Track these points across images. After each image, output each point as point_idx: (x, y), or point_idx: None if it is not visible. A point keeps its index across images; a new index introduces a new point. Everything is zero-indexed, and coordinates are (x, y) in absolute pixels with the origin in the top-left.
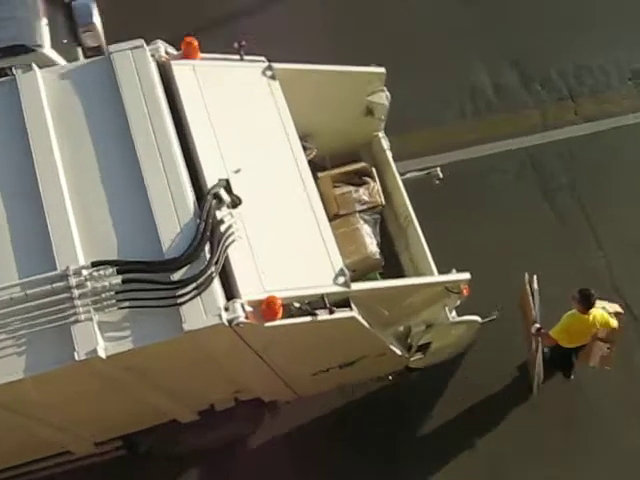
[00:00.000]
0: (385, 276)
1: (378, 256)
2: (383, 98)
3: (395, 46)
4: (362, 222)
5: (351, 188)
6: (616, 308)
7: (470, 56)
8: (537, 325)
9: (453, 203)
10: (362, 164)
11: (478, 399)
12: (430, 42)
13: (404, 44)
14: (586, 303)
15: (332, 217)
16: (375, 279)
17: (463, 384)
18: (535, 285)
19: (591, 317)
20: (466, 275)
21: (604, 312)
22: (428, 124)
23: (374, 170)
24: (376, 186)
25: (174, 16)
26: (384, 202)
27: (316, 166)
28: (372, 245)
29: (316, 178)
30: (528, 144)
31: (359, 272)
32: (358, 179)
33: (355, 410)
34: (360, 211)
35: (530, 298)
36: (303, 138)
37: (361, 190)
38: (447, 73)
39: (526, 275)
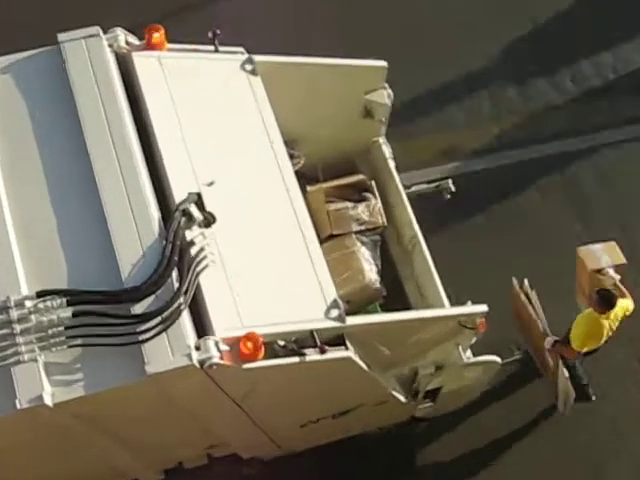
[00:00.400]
0: (387, 308)
1: (378, 285)
2: (384, 97)
3: (399, 36)
4: (359, 244)
5: (348, 204)
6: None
7: (487, 47)
8: (551, 338)
9: (468, 222)
10: (359, 176)
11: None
12: (440, 31)
13: (409, 33)
14: (607, 304)
15: (324, 238)
16: (375, 312)
17: (477, 427)
18: (530, 290)
19: (612, 315)
20: (483, 307)
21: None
22: (438, 128)
23: (374, 184)
24: (377, 203)
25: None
26: (386, 222)
27: (304, 178)
28: (371, 272)
29: (305, 192)
30: (556, 151)
31: (356, 304)
32: (355, 194)
33: (350, 465)
34: (358, 232)
35: (529, 308)
36: (289, 144)
37: (360, 207)
38: (460, 67)
39: (514, 280)
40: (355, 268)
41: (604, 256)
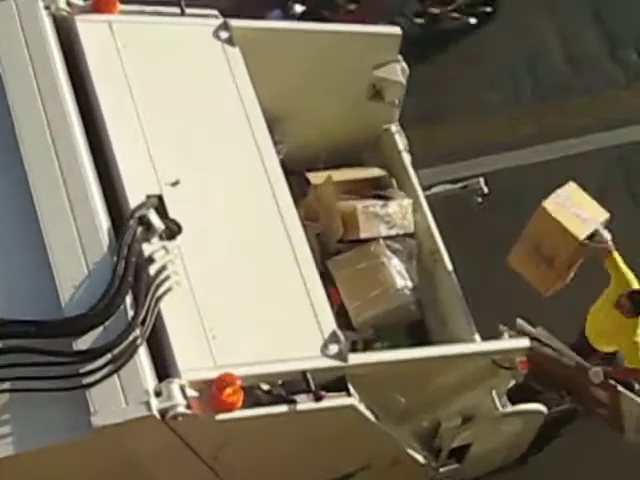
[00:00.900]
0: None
1: (414, 306)
2: (398, 72)
3: None
4: (390, 254)
5: (376, 202)
6: None
7: (528, 11)
8: (598, 369)
9: (504, 232)
10: (378, 171)
11: None
12: None
13: None
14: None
15: (335, 248)
16: (399, 344)
17: None
18: (535, 329)
19: None
20: (524, 342)
21: None
22: (466, 113)
23: (394, 182)
24: (410, 204)
25: None
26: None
27: (293, 172)
28: (406, 289)
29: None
30: (618, 141)
31: (386, 331)
32: (369, 192)
33: None
34: (387, 237)
35: (547, 351)
36: (272, 130)
37: (391, 206)
38: (494, 38)
39: (521, 322)
40: (386, 284)
41: (583, 211)
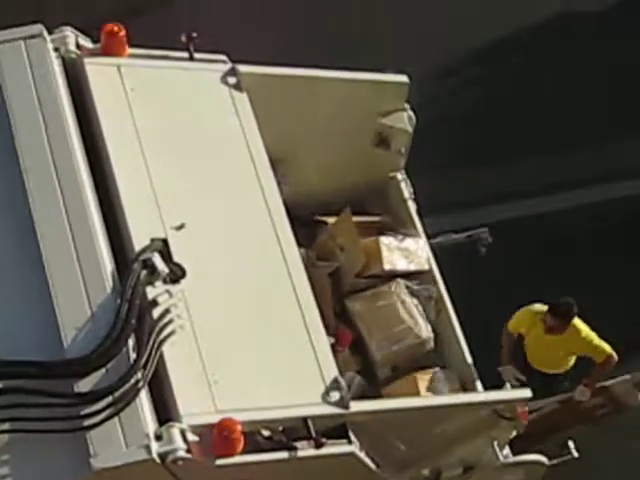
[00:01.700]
0: None
1: (432, 346)
2: (404, 121)
3: (424, 42)
4: (408, 293)
5: (398, 235)
6: None
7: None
8: (579, 388)
9: (509, 282)
10: (380, 218)
11: None
12: (483, 36)
13: (438, 39)
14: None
15: (352, 284)
16: None
17: None
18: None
19: None
20: (525, 392)
21: None
22: (476, 161)
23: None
24: (424, 241)
25: None
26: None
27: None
28: (427, 330)
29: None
30: (628, 193)
31: (404, 370)
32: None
33: None
34: (405, 275)
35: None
36: (276, 174)
37: (408, 241)
38: (507, 79)
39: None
40: (408, 321)
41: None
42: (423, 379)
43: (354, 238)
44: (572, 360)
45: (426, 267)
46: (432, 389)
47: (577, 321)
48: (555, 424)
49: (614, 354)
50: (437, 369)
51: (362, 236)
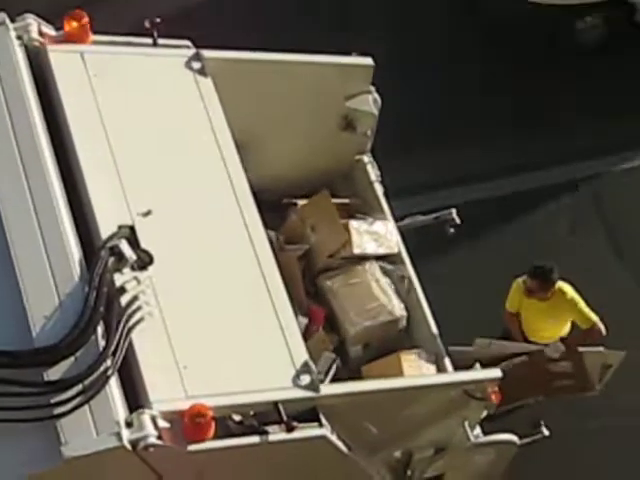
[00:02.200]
0: None
1: (404, 325)
2: (370, 103)
3: (388, 23)
4: (381, 273)
5: (364, 220)
6: None
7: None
8: (555, 344)
9: (476, 263)
10: (350, 201)
11: None
12: (441, 14)
13: (402, 20)
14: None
15: (325, 264)
16: None
17: None
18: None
19: None
20: (496, 372)
21: None
22: (440, 142)
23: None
24: (392, 224)
25: None
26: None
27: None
28: (400, 308)
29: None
30: (586, 173)
31: (376, 347)
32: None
33: None
34: (377, 257)
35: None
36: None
37: (377, 225)
38: (472, 61)
39: (455, 348)
40: (382, 299)
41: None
42: (407, 359)
43: (333, 218)
44: (565, 328)
45: (395, 250)
46: (415, 369)
47: (563, 284)
48: (516, 381)
49: (601, 325)
50: (420, 350)
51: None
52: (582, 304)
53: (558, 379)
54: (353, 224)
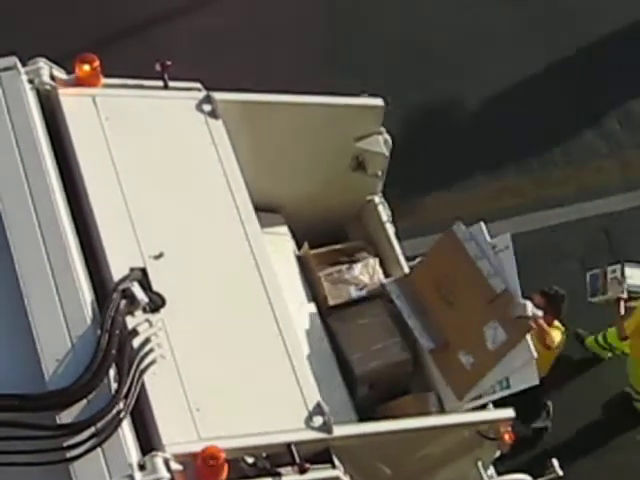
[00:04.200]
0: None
1: (411, 367)
2: (381, 144)
3: (397, 65)
4: (388, 313)
5: (341, 267)
6: None
7: (511, 77)
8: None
9: None
10: (354, 243)
11: None
12: (453, 56)
13: (410, 61)
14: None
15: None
16: None
17: None
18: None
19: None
20: (509, 412)
21: None
22: (452, 184)
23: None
24: (376, 262)
25: (66, 22)
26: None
27: None
28: (406, 350)
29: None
30: (602, 211)
31: (381, 388)
32: (347, 258)
33: None
34: (359, 299)
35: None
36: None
37: (356, 269)
38: (482, 107)
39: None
40: (389, 339)
41: None
42: (420, 401)
43: (315, 275)
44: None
45: (378, 286)
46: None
47: (556, 327)
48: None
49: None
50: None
51: (321, 267)
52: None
53: None
54: (323, 276)
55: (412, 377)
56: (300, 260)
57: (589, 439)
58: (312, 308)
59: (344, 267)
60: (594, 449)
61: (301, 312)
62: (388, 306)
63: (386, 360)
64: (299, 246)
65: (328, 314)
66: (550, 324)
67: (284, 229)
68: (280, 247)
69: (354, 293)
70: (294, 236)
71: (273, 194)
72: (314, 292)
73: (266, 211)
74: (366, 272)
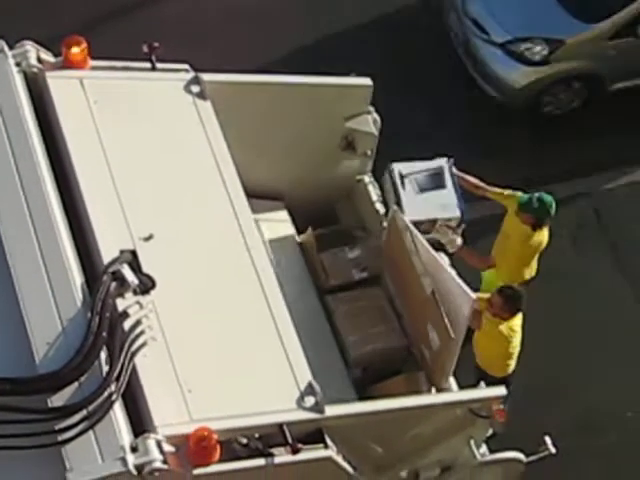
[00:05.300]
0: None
1: (406, 353)
2: (369, 123)
3: (388, 45)
4: (386, 299)
5: (344, 248)
6: None
7: None
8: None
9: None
10: (343, 226)
11: None
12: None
13: (403, 41)
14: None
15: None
16: None
17: None
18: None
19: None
20: (500, 390)
21: None
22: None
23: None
24: (377, 247)
25: (52, 5)
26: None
27: None
28: (402, 336)
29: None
30: (592, 189)
31: (375, 371)
32: (349, 238)
33: None
34: (359, 280)
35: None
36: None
37: (358, 249)
38: (468, 87)
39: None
40: (387, 323)
41: None
42: (412, 380)
43: (315, 258)
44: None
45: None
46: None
47: (516, 323)
48: None
49: (503, 372)
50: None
51: (321, 249)
52: (510, 352)
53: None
54: (325, 257)
55: (408, 360)
56: (301, 244)
57: (582, 417)
58: (312, 290)
59: (346, 248)
60: (587, 427)
61: (301, 294)
62: (386, 289)
63: (383, 344)
64: (298, 230)
65: (328, 295)
66: (506, 320)
67: (284, 214)
68: (279, 231)
69: (356, 275)
70: (293, 220)
71: (263, 176)
72: (315, 274)
73: (261, 197)
74: (368, 254)
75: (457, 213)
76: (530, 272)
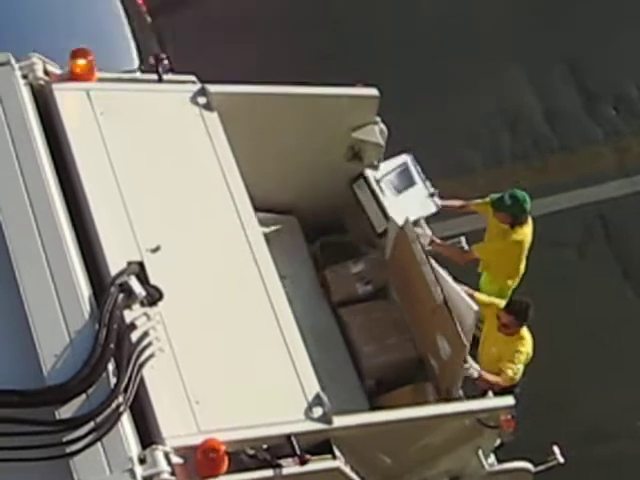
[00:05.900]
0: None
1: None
2: (376, 134)
3: (396, 56)
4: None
5: (348, 263)
6: None
7: (509, 69)
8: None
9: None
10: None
11: None
12: (450, 50)
13: (409, 53)
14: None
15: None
16: None
17: None
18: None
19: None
20: (508, 400)
21: None
22: (449, 172)
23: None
24: (381, 256)
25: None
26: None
27: None
28: (415, 348)
29: None
30: (598, 198)
31: (389, 383)
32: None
33: None
34: (363, 296)
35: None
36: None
37: (362, 263)
38: (476, 95)
39: None
40: (401, 335)
41: None
42: (420, 390)
43: (321, 272)
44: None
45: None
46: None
47: (525, 333)
48: None
49: (503, 382)
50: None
51: (326, 263)
52: (518, 361)
53: None
54: (328, 273)
55: (420, 374)
56: (310, 256)
57: (590, 426)
58: (324, 302)
59: (350, 262)
60: (594, 437)
61: (313, 306)
62: (395, 302)
63: (398, 355)
64: (308, 241)
65: (341, 308)
66: (515, 333)
67: (293, 225)
68: (289, 243)
69: (360, 289)
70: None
71: (270, 188)
72: (324, 287)
73: (269, 210)
74: (371, 267)
75: (434, 209)
76: (519, 272)
